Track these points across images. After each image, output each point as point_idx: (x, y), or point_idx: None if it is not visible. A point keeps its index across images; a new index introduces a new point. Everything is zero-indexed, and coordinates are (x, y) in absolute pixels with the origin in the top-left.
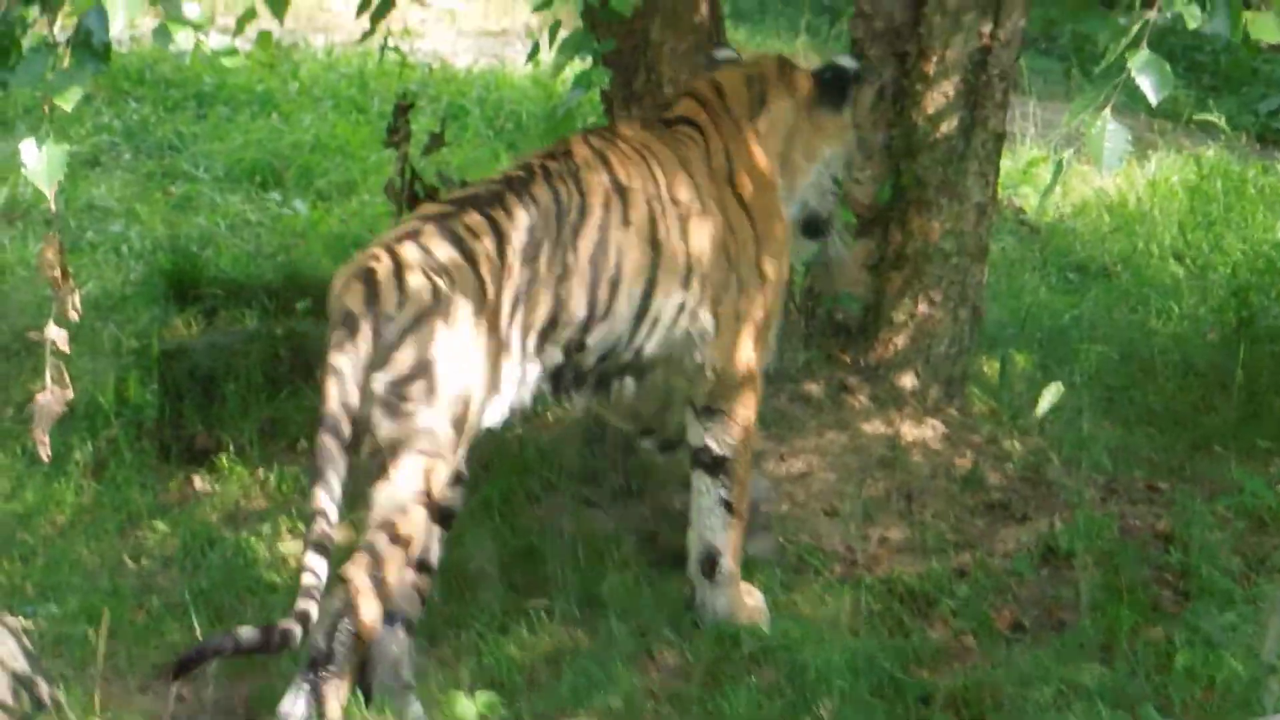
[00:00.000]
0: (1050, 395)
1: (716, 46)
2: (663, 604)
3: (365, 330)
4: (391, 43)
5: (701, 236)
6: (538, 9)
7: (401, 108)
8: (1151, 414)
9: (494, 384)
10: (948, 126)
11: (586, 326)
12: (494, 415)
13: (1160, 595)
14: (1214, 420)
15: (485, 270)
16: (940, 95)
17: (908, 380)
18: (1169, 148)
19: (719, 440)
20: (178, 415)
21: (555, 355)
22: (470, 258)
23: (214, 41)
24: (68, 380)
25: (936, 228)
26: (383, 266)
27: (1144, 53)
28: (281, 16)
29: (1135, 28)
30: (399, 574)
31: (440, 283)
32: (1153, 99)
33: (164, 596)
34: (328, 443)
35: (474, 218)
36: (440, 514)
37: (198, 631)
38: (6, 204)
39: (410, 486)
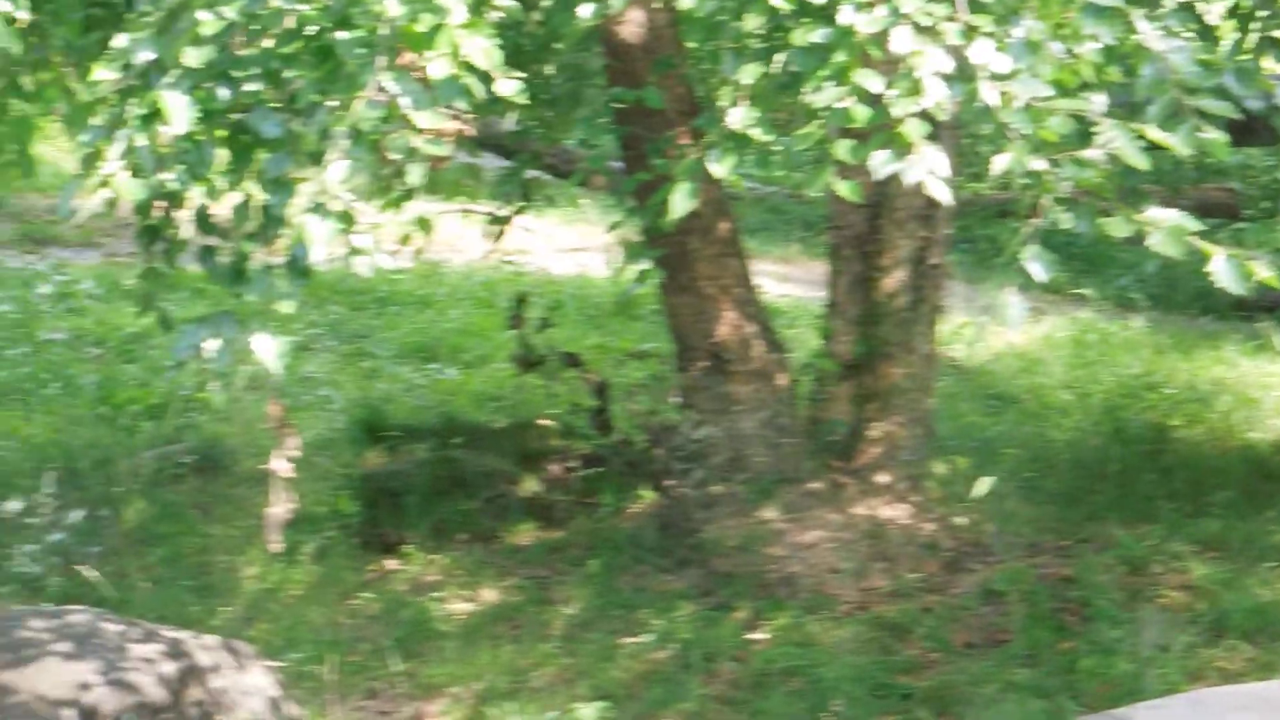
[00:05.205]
0: (983, 485)
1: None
2: (720, 635)
3: None
4: (508, 258)
5: None
6: (611, 230)
7: (519, 301)
8: (1054, 496)
9: None
10: (900, 301)
11: None
12: None
13: (1067, 620)
14: (1098, 499)
15: None
16: (894, 280)
17: (882, 477)
18: (1056, 312)
19: None
20: (373, 518)
21: None
22: None
23: (385, 260)
24: (291, 497)
25: (897, 373)
26: None
27: (1033, 247)
28: (429, 235)
29: (1025, 230)
30: None
31: None
32: (1040, 279)
33: (371, 643)
34: None
35: None
36: None
37: (395, 667)
38: (251, 379)
39: None
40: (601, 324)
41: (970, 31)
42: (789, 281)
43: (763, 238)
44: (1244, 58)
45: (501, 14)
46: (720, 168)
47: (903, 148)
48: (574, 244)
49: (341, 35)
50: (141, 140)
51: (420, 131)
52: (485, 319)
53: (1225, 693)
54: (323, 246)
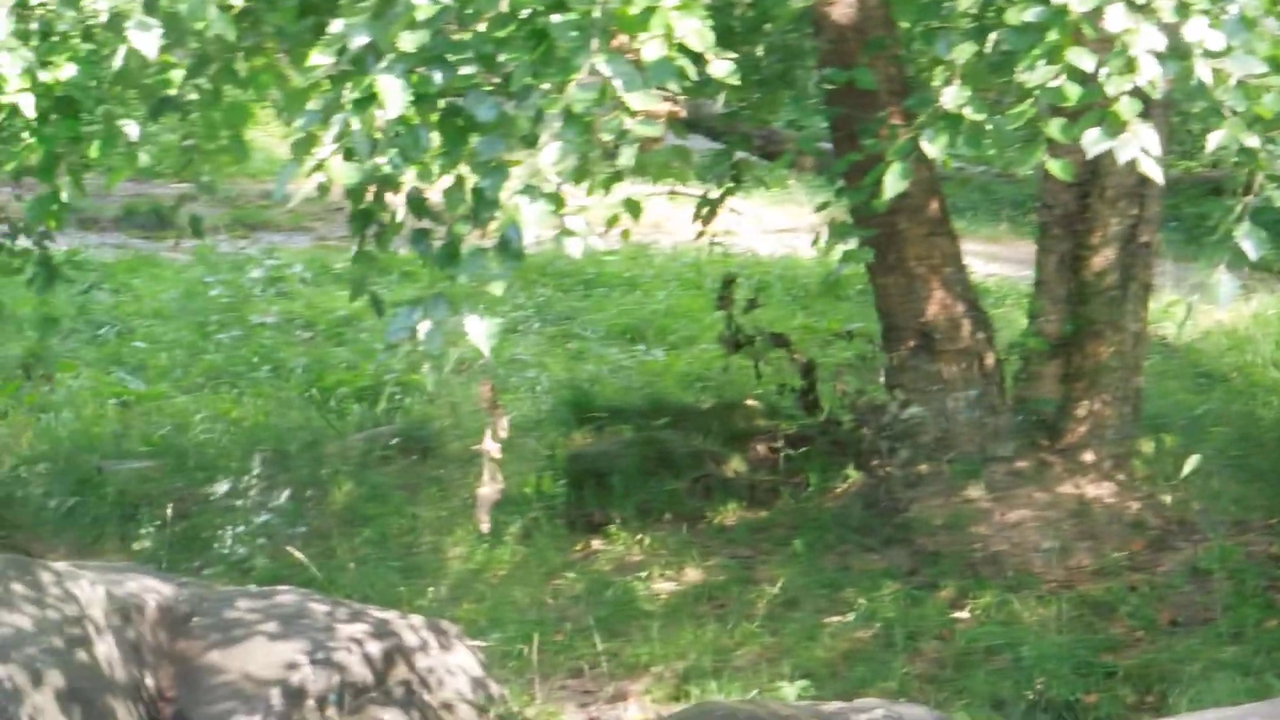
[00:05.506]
0: (1191, 463)
1: None
2: (925, 614)
3: None
4: (715, 240)
5: None
6: (819, 210)
7: (727, 283)
8: (1262, 474)
9: None
10: (1109, 280)
11: None
12: None
13: (1275, 598)
14: None
15: None
16: (1103, 258)
17: (1089, 456)
18: (1265, 290)
19: None
20: (579, 499)
21: None
22: None
23: (595, 242)
24: (500, 477)
25: (1105, 351)
26: None
27: (1246, 224)
28: (637, 219)
29: (1239, 208)
30: None
31: None
32: (1252, 257)
33: (574, 623)
34: None
35: None
36: None
37: (598, 646)
38: (459, 361)
39: None
40: (808, 304)
41: (1184, 8)
42: (997, 261)
43: (970, 218)
44: None
45: None
46: (934, 147)
47: (1115, 126)
48: (781, 225)
49: (555, 19)
50: (356, 124)
51: (633, 113)
52: (692, 300)
53: None
54: (534, 228)
